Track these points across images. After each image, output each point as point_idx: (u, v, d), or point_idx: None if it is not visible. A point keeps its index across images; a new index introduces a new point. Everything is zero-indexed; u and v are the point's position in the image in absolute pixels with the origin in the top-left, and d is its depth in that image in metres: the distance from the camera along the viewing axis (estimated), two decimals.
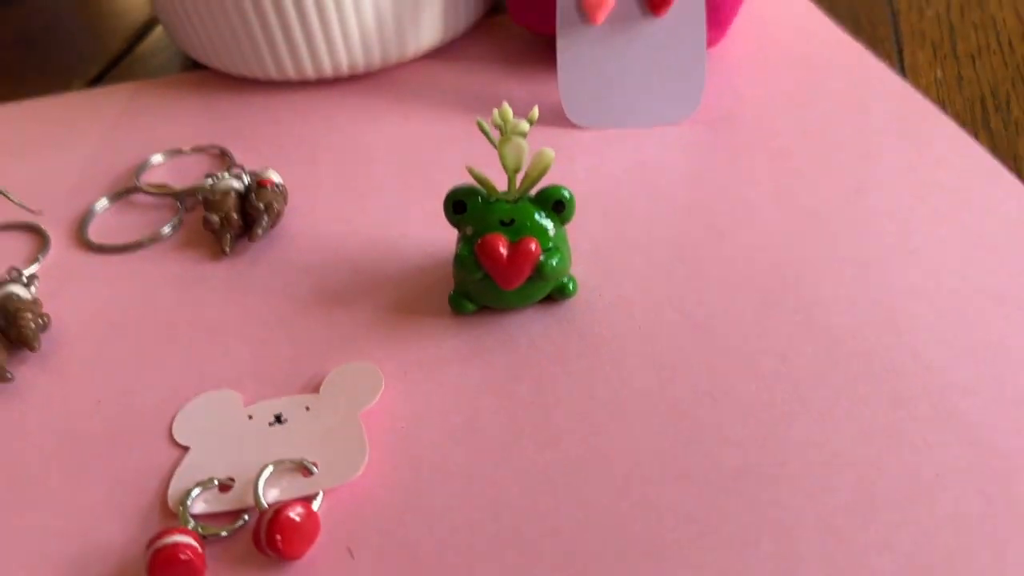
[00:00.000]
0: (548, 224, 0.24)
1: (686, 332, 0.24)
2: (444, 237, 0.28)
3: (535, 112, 0.24)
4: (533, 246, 0.23)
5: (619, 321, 0.25)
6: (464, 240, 0.24)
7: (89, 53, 0.43)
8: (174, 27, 0.38)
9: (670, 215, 0.28)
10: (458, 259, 0.24)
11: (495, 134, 0.23)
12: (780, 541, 0.19)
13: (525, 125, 0.23)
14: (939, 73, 0.34)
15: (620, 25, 0.32)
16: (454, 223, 0.25)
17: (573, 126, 0.33)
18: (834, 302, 0.25)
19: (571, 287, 0.25)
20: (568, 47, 0.32)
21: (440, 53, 0.39)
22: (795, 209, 0.28)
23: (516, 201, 0.24)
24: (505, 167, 0.24)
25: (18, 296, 0.26)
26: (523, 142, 0.23)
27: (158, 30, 0.45)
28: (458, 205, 0.24)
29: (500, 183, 0.24)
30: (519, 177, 0.24)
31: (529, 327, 0.25)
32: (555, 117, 0.33)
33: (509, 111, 0.23)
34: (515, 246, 0.23)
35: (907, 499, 0.19)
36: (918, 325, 0.24)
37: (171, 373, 0.24)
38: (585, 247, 0.27)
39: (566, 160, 0.31)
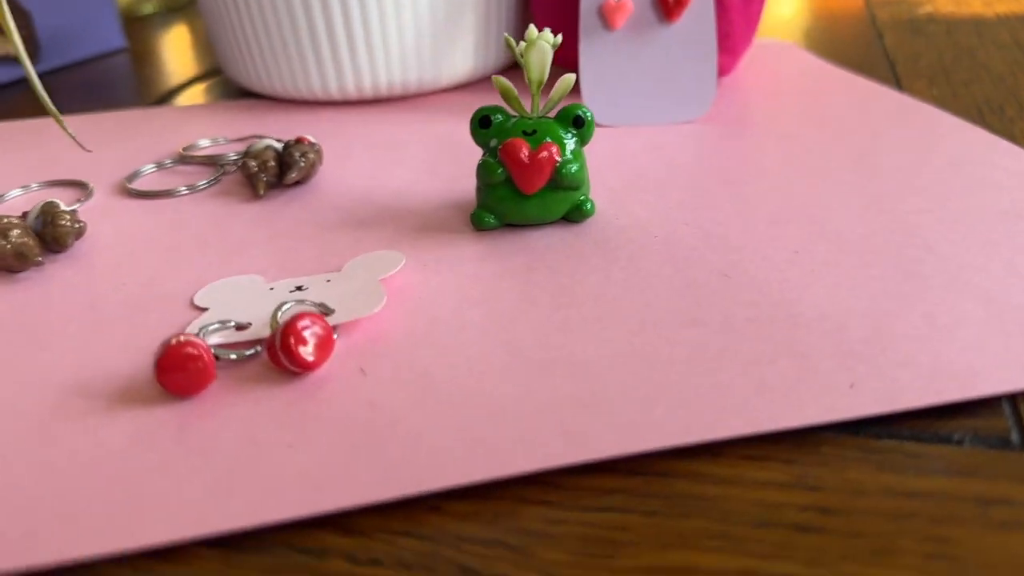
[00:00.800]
0: (568, 139, 0.25)
1: (701, 240, 0.25)
2: (466, 189, 0.30)
3: (560, 37, 0.26)
4: (553, 149, 0.25)
5: (636, 234, 0.25)
6: (489, 152, 0.26)
7: (145, 95, 0.47)
8: (227, 54, 0.42)
9: (683, 173, 0.30)
10: (481, 165, 0.25)
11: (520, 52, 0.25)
12: (797, 359, 0.19)
13: (549, 35, 0.25)
14: (935, 92, 0.36)
15: (637, 30, 0.35)
16: (480, 140, 0.26)
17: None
18: (845, 219, 0.25)
19: (589, 206, 0.26)
20: (590, 49, 0.35)
21: (469, 86, 0.43)
22: (804, 169, 0.29)
23: (539, 118, 0.26)
24: (529, 80, 0.25)
25: (59, 204, 0.27)
26: (548, 48, 0.25)
27: (205, 84, 0.49)
28: (484, 120, 0.26)
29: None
30: (542, 103, 0.26)
31: (547, 238, 0.26)
32: None
33: (535, 29, 0.25)
34: (535, 151, 0.25)
35: (925, 336, 0.19)
36: (928, 232, 0.24)
37: (197, 268, 0.25)
38: (604, 193, 0.28)
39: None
